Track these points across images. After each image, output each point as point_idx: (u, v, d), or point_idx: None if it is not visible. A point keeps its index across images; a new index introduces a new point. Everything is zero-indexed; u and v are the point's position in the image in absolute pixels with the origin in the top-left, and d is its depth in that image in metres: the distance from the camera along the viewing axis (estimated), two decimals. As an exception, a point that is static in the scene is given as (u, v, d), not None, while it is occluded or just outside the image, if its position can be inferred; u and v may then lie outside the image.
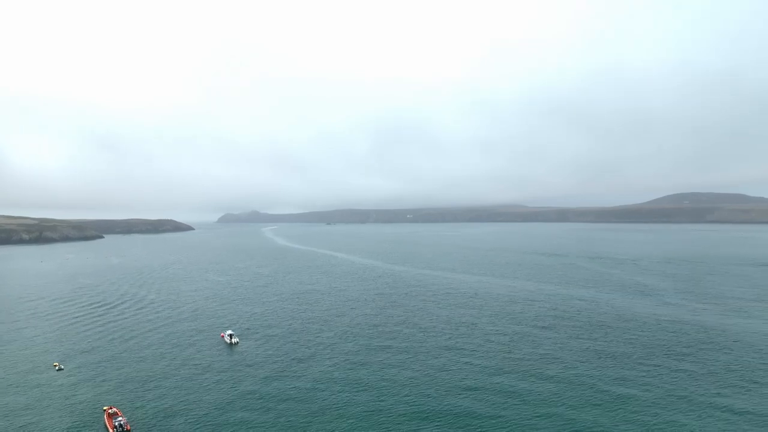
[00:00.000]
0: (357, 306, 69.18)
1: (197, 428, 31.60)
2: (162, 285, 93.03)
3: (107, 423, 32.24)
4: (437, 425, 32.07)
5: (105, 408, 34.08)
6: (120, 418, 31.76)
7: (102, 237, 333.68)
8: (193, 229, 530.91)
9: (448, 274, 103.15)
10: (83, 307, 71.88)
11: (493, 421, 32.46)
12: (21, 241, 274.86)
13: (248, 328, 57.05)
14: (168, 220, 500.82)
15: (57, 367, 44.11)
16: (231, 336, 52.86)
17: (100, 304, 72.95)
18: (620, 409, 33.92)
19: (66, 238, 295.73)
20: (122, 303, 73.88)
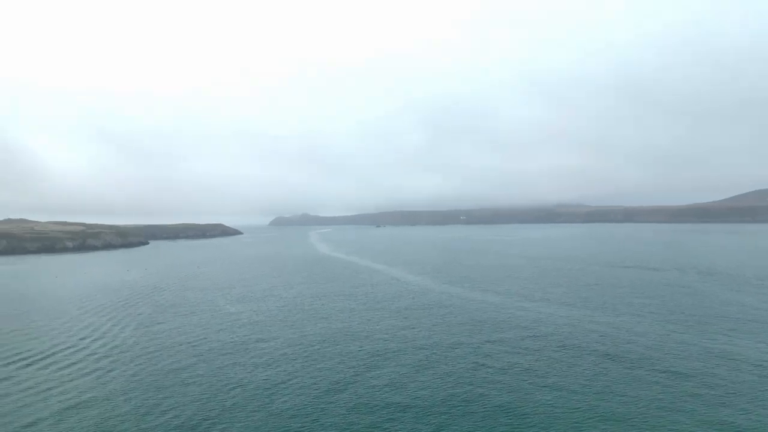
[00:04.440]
0: (391, 378, 43.80)
1: None
2: (144, 319, 71.06)
3: None
4: None
5: None
6: None
7: (147, 243, 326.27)
8: (242, 233, 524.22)
9: (526, 303, 75.43)
10: None
11: None
12: (65, 249, 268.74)
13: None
14: (217, 225, 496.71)
15: None
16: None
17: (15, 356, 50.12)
18: None
19: (108, 246, 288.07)
20: (52, 354, 50.79)
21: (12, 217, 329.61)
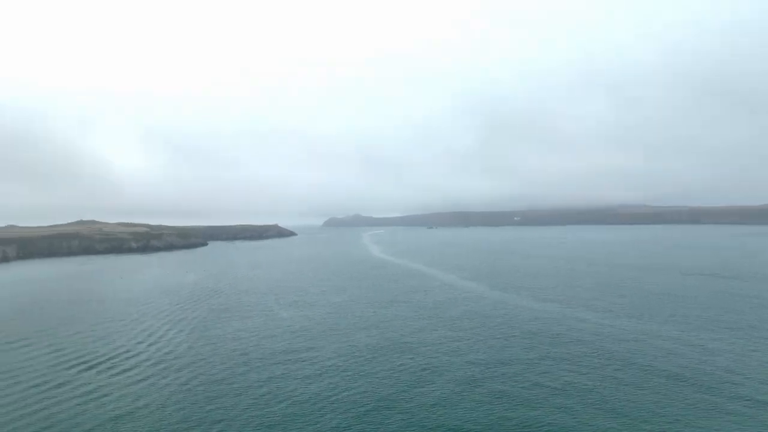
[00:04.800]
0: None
1: None
2: (199, 323, 72.53)
3: None
4: None
5: None
6: None
7: (206, 244, 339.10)
8: (296, 234, 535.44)
9: (586, 314, 70.79)
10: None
11: None
12: (130, 250, 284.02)
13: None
14: (272, 226, 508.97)
15: None
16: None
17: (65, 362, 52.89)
18: None
19: (170, 247, 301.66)
20: (110, 359, 51.78)
21: (84, 218, 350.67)
